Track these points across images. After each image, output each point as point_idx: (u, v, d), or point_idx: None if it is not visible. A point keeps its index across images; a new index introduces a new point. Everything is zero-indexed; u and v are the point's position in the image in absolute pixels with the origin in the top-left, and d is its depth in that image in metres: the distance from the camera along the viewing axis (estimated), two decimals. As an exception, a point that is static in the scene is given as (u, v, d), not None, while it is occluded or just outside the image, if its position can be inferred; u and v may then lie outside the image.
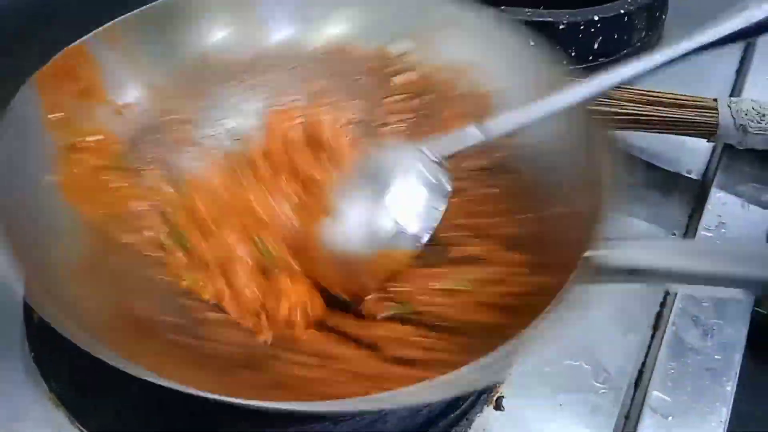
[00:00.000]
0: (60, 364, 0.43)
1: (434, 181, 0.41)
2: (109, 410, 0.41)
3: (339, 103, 0.52)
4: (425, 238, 0.41)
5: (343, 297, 0.42)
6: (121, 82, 0.48)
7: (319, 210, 0.43)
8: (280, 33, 0.53)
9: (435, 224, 0.41)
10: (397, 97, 0.51)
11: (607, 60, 0.67)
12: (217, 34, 0.52)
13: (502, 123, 0.42)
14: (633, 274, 0.35)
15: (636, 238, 0.37)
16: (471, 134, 0.41)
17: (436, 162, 0.41)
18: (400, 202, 0.41)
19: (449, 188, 0.41)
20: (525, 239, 0.42)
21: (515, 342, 0.32)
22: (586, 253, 0.34)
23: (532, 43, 0.47)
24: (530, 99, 0.42)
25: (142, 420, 0.39)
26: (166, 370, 0.33)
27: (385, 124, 0.51)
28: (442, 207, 0.41)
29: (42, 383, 0.44)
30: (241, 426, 0.36)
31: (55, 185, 0.43)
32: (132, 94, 0.49)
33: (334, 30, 0.53)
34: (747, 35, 0.38)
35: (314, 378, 0.38)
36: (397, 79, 0.51)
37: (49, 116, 0.44)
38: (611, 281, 0.36)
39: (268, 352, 0.40)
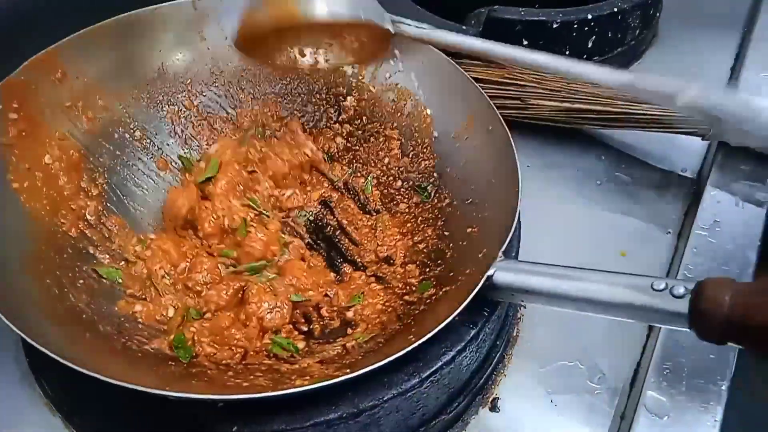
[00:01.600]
0: (55, 370, 0.43)
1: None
2: (103, 415, 0.41)
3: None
4: None
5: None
6: (85, 91, 0.50)
7: None
8: (235, 51, 0.55)
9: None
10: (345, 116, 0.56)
11: (601, 58, 0.67)
12: (176, 49, 0.54)
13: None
14: (520, 293, 0.40)
15: (530, 261, 0.41)
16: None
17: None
18: None
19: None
20: (436, 256, 0.48)
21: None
22: (484, 272, 0.39)
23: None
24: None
25: (135, 424, 0.39)
26: (103, 363, 0.37)
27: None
28: None
29: (37, 389, 0.44)
30: (228, 426, 0.36)
31: (7, 183, 0.44)
32: (93, 102, 0.50)
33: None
34: None
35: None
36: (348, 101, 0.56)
37: (11, 116, 0.45)
38: (503, 298, 0.41)
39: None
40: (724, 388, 0.43)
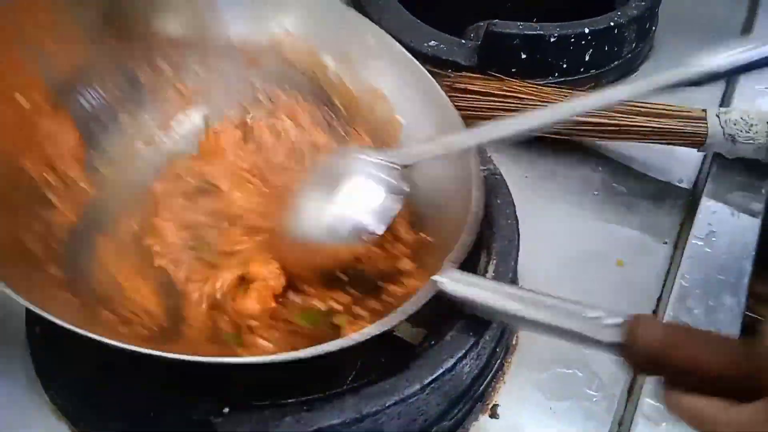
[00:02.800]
0: (61, 375, 0.44)
1: (391, 181, 0.45)
2: (110, 421, 0.41)
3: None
4: (381, 230, 0.45)
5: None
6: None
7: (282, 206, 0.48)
8: (226, 28, 0.54)
9: (390, 219, 0.45)
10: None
11: (597, 72, 0.68)
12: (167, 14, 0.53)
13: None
14: (464, 304, 0.41)
15: (477, 274, 0.43)
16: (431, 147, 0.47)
17: (394, 167, 0.45)
18: (357, 199, 0.45)
19: (407, 188, 0.46)
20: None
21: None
22: (432, 276, 0.41)
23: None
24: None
25: (142, 429, 0.40)
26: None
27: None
28: (398, 205, 0.45)
29: (43, 394, 0.45)
30: (245, 426, 0.37)
31: None
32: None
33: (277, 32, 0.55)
34: (727, 75, 0.40)
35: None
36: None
37: None
38: (447, 306, 0.42)
39: None
40: (719, 395, 0.44)
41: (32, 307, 0.35)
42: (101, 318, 0.42)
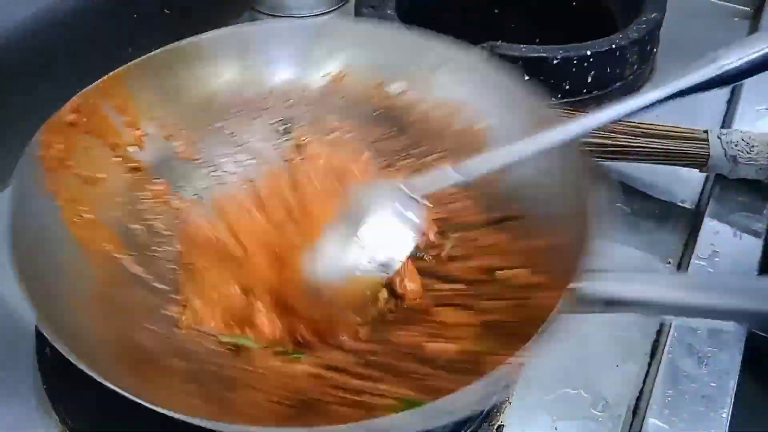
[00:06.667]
0: (72, 397, 0.44)
1: (408, 215, 0.43)
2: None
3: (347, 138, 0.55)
4: (395, 268, 0.43)
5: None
6: (133, 122, 0.51)
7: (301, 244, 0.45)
8: (282, 74, 0.55)
9: (404, 257, 0.43)
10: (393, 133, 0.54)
11: (600, 93, 0.69)
12: (224, 75, 0.54)
13: (479, 164, 0.44)
14: (612, 305, 0.37)
15: (616, 270, 0.38)
16: (448, 175, 0.44)
17: (413, 199, 0.44)
18: (374, 236, 0.43)
19: (418, 221, 0.43)
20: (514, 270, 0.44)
21: (504, 368, 0.35)
22: (571, 285, 0.36)
23: (525, 79, 0.50)
24: (520, 137, 0.44)
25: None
26: (167, 398, 0.35)
27: (390, 164, 0.54)
28: (413, 241, 0.43)
29: (54, 415, 0.45)
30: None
31: (63, 219, 0.44)
32: (144, 132, 0.51)
33: (333, 70, 0.55)
34: (719, 84, 0.40)
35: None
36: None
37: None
38: (594, 311, 0.37)
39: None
40: (724, 415, 0.44)
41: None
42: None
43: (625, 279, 0.37)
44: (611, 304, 0.37)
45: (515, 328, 0.39)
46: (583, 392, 0.48)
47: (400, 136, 0.54)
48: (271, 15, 0.80)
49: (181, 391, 0.39)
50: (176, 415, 0.32)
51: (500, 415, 0.47)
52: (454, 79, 0.52)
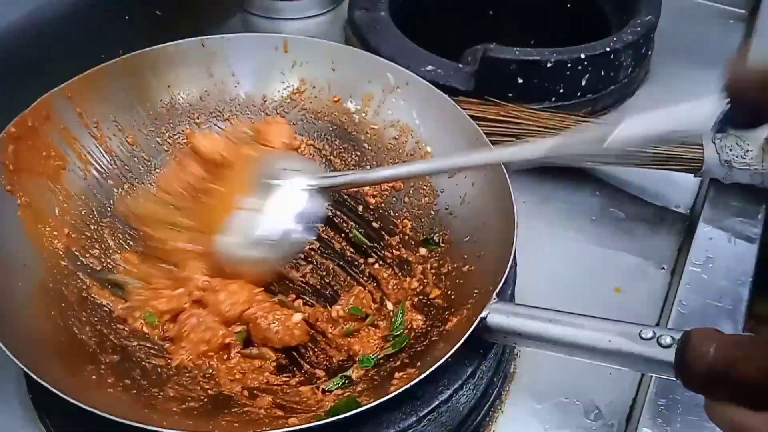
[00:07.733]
0: (58, 406, 0.44)
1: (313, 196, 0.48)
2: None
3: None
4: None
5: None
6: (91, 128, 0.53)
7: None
8: (245, 85, 0.58)
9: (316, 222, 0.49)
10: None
11: (594, 96, 0.69)
12: (189, 83, 0.57)
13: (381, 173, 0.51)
14: (512, 336, 0.40)
15: (522, 304, 0.42)
16: (351, 177, 0.51)
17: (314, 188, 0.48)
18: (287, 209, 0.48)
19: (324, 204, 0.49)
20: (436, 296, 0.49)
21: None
22: (479, 313, 0.40)
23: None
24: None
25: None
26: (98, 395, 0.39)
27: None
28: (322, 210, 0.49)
29: (40, 425, 0.44)
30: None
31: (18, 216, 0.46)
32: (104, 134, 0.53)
33: (294, 83, 0.59)
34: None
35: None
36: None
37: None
38: (496, 340, 0.42)
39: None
40: (717, 425, 0.43)
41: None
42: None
43: (529, 315, 0.40)
44: (510, 335, 0.40)
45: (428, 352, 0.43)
46: (576, 401, 0.48)
47: (354, 152, 0.57)
48: (263, 17, 0.80)
49: (111, 386, 0.42)
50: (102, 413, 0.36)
51: (492, 424, 0.47)
52: (406, 104, 0.56)
